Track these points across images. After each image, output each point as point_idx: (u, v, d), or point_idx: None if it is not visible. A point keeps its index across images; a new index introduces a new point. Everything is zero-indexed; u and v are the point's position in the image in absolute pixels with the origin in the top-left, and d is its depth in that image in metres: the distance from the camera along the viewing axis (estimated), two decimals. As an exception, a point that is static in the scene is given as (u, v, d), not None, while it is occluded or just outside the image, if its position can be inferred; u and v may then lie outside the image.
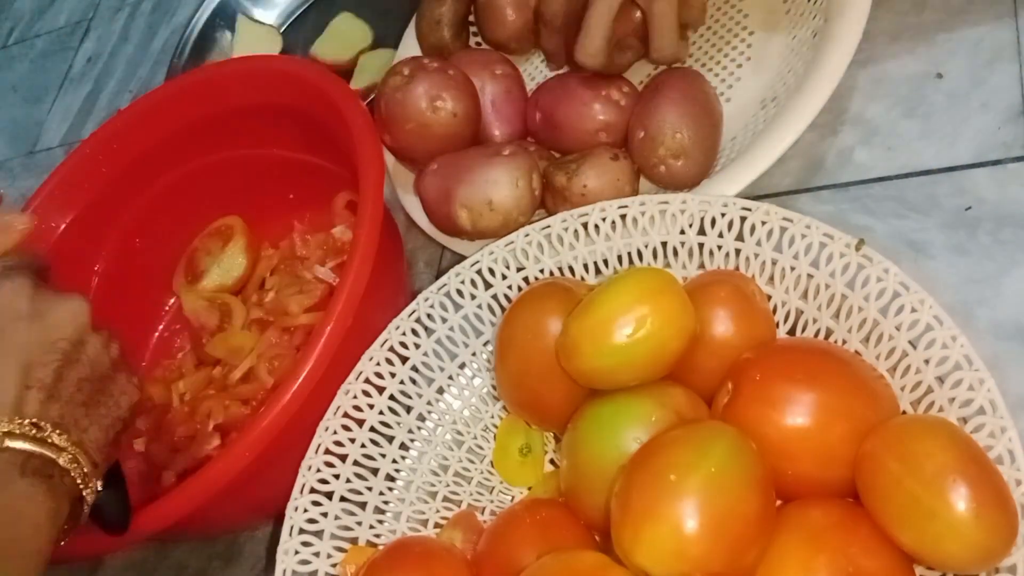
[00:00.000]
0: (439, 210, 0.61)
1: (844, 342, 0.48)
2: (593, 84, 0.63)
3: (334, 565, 0.52)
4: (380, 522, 0.54)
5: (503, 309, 0.57)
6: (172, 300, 0.78)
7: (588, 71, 0.61)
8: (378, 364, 0.56)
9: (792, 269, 0.49)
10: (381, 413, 0.56)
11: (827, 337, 0.49)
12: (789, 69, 0.61)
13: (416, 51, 0.74)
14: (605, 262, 0.55)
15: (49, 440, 0.42)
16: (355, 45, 0.85)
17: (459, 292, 0.57)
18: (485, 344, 0.58)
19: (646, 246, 0.54)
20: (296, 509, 0.52)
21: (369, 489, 0.54)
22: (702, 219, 0.52)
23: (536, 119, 0.66)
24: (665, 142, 0.58)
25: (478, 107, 0.65)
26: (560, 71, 0.70)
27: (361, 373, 0.55)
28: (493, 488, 0.56)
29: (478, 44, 0.76)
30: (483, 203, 0.58)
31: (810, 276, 0.49)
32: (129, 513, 0.49)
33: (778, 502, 0.43)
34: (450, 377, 0.58)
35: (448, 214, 0.60)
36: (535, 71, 0.74)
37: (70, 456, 0.42)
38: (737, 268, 0.52)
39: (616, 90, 0.62)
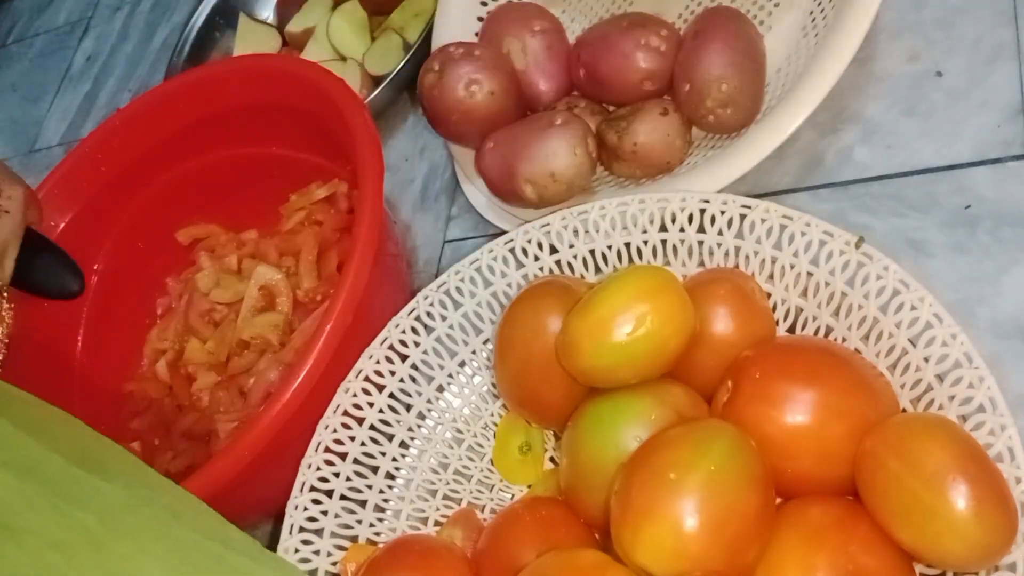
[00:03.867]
0: (504, 187, 0.62)
1: (844, 340, 0.48)
2: (631, 33, 0.62)
3: (334, 563, 0.52)
4: (380, 520, 0.54)
5: (503, 307, 0.57)
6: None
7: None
8: (378, 362, 0.56)
9: (792, 267, 0.49)
10: (381, 411, 0.56)
11: (827, 335, 0.49)
12: (794, 55, 0.60)
13: (449, 25, 0.73)
14: (605, 260, 0.55)
15: None
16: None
17: (459, 290, 0.57)
18: (485, 342, 0.58)
19: (646, 243, 0.54)
20: (296, 507, 0.52)
21: (369, 487, 0.54)
22: (702, 217, 0.52)
23: (580, 75, 0.66)
24: (712, 94, 0.57)
25: (514, 77, 0.65)
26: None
27: (361, 371, 0.55)
28: (493, 486, 0.56)
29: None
30: (546, 176, 0.59)
31: (810, 274, 0.49)
32: (75, 274, 0.50)
33: (778, 500, 0.43)
34: (450, 375, 0.58)
35: (513, 190, 0.61)
36: (570, 22, 0.72)
37: None
38: (736, 266, 0.52)
39: (655, 36, 0.62)
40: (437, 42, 0.72)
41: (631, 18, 0.64)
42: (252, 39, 0.90)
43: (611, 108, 0.65)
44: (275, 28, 0.92)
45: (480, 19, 0.73)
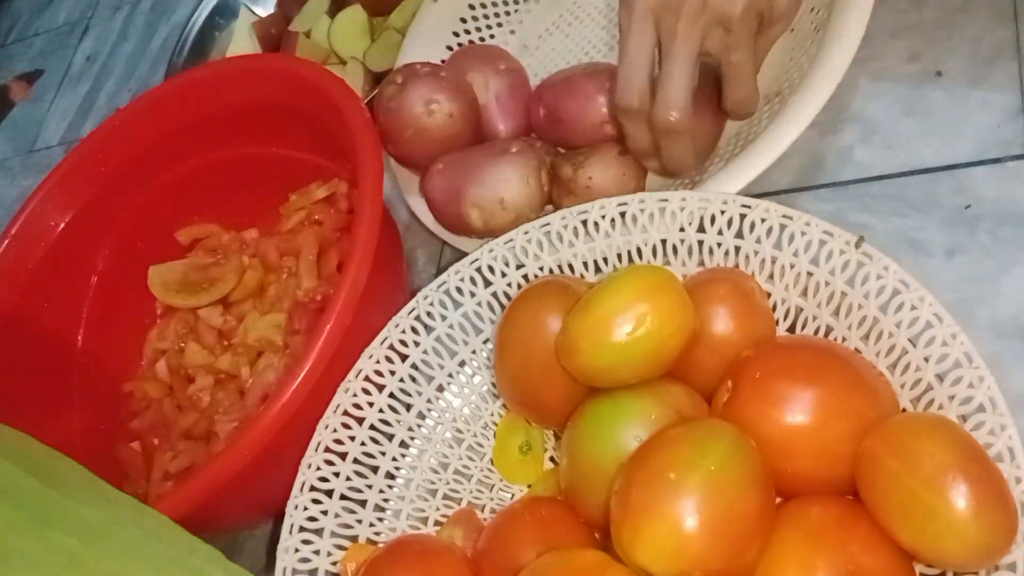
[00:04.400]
0: (447, 210, 0.62)
1: (844, 339, 0.48)
2: (596, 76, 0.63)
3: (334, 563, 0.52)
4: (380, 520, 0.54)
5: (503, 307, 0.57)
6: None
7: (672, 131, 0.55)
8: (378, 362, 0.56)
9: (792, 266, 0.49)
10: (381, 411, 0.56)
11: (827, 335, 0.49)
12: (792, 62, 0.61)
13: (416, 57, 0.73)
14: (605, 260, 0.55)
15: None
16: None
17: (459, 290, 0.57)
18: (485, 342, 0.58)
19: (646, 243, 0.54)
20: (296, 507, 0.52)
21: (369, 487, 0.54)
22: (701, 216, 0.52)
23: (540, 114, 0.66)
24: None
25: (475, 105, 0.66)
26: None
27: (361, 371, 0.55)
28: (493, 486, 0.56)
29: (482, 40, 0.76)
30: (495, 202, 0.59)
31: (810, 273, 0.49)
32: None
33: (778, 500, 0.43)
34: (450, 375, 0.58)
35: (458, 213, 0.60)
36: (539, 67, 0.74)
37: None
38: (736, 265, 0.52)
39: None
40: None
41: (596, 66, 0.65)
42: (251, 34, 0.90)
43: (565, 152, 0.65)
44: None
45: (449, 48, 0.74)
